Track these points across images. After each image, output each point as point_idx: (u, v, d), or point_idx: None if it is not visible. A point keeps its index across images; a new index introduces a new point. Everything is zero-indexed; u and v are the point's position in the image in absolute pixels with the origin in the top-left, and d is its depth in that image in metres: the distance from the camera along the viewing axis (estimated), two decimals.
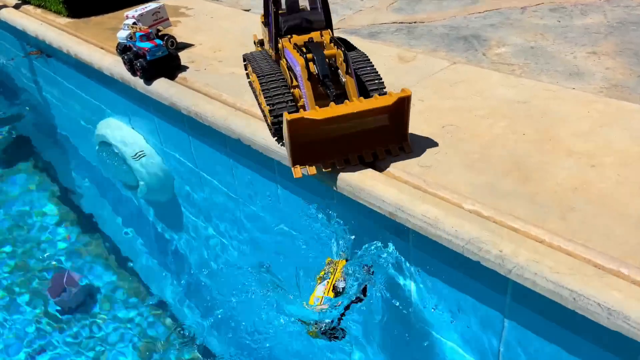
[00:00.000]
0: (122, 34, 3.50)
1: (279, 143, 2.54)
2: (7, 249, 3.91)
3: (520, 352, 2.02)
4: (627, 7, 3.94)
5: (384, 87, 2.40)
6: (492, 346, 2.13)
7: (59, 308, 3.64)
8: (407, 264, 2.35)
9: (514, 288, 1.85)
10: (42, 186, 4.17)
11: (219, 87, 3.17)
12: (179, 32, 4.08)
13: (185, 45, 3.82)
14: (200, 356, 3.40)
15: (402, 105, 2.16)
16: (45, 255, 3.84)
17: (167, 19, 3.81)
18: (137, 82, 3.50)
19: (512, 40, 3.50)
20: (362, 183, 2.23)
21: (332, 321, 2.37)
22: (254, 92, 2.89)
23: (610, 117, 2.40)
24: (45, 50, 4.84)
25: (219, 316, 3.32)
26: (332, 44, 2.38)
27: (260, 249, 3.24)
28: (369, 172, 2.26)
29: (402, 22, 4.07)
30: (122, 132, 3.86)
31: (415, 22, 4.04)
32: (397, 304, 2.47)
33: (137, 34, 3.32)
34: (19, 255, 3.89)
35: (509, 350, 2.07)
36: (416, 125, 2.53)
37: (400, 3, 4.52)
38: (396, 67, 3.20)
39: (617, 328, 1.54)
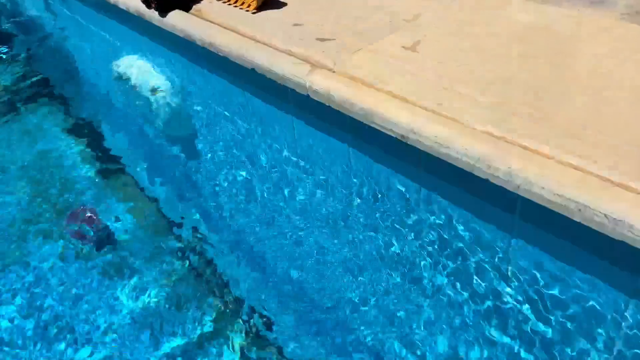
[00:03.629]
0: None
1: None
2: (25, 183, 3.99)
3: (528, 268, 2.07)
4: None
5: None
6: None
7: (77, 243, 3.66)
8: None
9: (523, 205, 1.88)
10: (60, 122, 4.25)
11: (234, 18, 3.16)
12: None
13: None
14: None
15: None
16: (64, 191, 3.92)
17: None
18: (153, 16, 3.50)
19: None
20: (375, 107, 2.25)
21: None
22: None
23: (630, 45, 2.35)
24: None
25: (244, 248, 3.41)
26: None
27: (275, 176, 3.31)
28: (382, 95, 2.27)
29: None
30: (138, 68, 3.89)
31: None
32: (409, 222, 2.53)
33: None
34: (38, 190, 3.96)
35: (517, 268, 2.13)
36: (433, 50, 2.52)
37: None
38: None
39: (622, 237, 1.57)
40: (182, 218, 3.62)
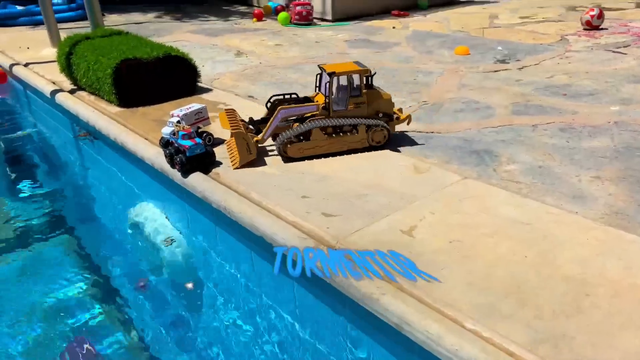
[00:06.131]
0: (167, 130, 3.90)
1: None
2: (31, 320, 4.09)
3: None
4: (635, 132, 4.21)
5: None
6: None
7: None
8: None
9: None
10: (73, 263, 4.44)
11: (249, 185, 3.47)
12: (217, 128, 4.48)
13: (221, 141, 4.19)
14: None
15: None
16: (67, 329, 4.00)
17: (207, 118, 4.22)
18: (175, 174, 3.84)
19: (521, 158, 3.76)
20: (370, 293, 2.41)
21: None
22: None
23: (608, 246, 2.58)
24: (93, 134, 5.31)
25: None
26: None
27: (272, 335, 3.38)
28: (377, 281, 2.44)
29: (420, 131, 4.40)
30: (154, 217, 4.15)
31: (432, 132, 4.37)
32: None
33: (180, 133, 3.70)
34: (42, 326, 4.05)
35: None
36: (426, 238, 2.75)
37: (419, 112, 4.90)
38: (410, 178, 3.47)
39: None
40: None
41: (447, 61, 6.90)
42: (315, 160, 3.83)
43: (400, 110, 4.18)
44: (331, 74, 3.78)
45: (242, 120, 4.14)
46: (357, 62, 3.97)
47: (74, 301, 4.26)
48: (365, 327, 2.65)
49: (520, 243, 2.64)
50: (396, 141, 4.16)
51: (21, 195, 5.34)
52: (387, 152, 3.94)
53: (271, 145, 4.03)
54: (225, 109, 4.26)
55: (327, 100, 3.86)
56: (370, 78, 3.97)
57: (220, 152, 3.98)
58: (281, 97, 4.12)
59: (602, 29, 8.47)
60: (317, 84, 4.06)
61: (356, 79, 3.85)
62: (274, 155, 3.93)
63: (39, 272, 4.50)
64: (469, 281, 2.39)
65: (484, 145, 4.04)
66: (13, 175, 5.84)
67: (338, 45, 8.21)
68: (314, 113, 3.91)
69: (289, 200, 3.25)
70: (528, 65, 6.50)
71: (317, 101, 3.97)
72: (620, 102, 4.96)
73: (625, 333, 2.01)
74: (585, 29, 8.51)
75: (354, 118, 3.87)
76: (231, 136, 3.86)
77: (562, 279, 2.36)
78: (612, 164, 3.62)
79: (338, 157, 3.89)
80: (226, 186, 3.54)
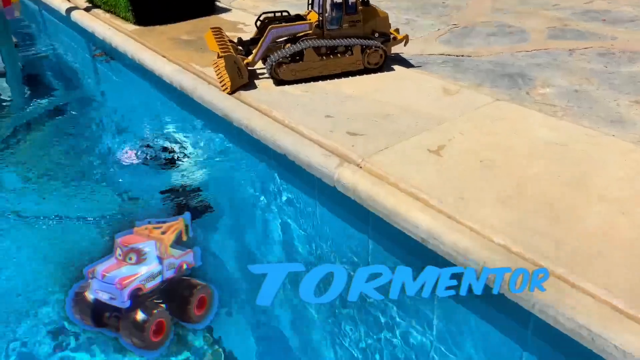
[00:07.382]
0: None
1: None
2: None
3: None
4: None
5: None
6: None
7: None
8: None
9: (536, 324, 1.93)
10: (86, 185, 4.43)
11: (271, 104, 3.37)
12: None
13: None
14: None
15: None
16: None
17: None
18: (195, 92, 3.74)
19: (557, 82, 3.57)
20: (398, 208, 2.36)
21: None
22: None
23: None
24: (110, 52, 5.18)
25: None
26: None
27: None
28: (405, 197, 2.38)
29: (449, 55, 4.19)
30: (170, 137, 4.09)
31: (462, 56, 4.16)
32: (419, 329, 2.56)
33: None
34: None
35: None
36: (455, 157, 2.66)
37: (449, 35, 4.66)
38: (440, 99, 3.33)
39: None
40: None
41: None
42: (337, 80, 3.69)
43: (397, 30, 3.97)
44: None
45: (231, 41, 3.89)
46: None
47: (86, 238, 4.12)
48: (387, 244, 2.63)
49: (554, 163, 2.54)
50: (423, 64, 3.98)
51: (37, 116, 5.31)
52: (414, 73, 3.77)
53: (262, 68, 3.82)
54: (212, 28, 3.98)
55: (320, 19, 3.64)
56: None
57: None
58: (272, 15, 3.88)
59: None
60: (310, 2, 3.82)
61: None
62: (266, 78, 3.73)
63: (52, 192, 4.49)
64: (499, 199, 2.31)
65: (517, 69, 3.84)
66: (29, 94, 5.79)
67: None
68: (307, 32, 3.69)
69: (313, 119, 3.15)
70: None
71: (309, 19, 3.76)
72: None
73: None
74: None
75: (349, 38, 3.66)
76: (218, 57, 3.66)
77: (597, 198, 2.27)
78: None
79: (363, 76, 3.74)
80: (247, 104, 3.45)
